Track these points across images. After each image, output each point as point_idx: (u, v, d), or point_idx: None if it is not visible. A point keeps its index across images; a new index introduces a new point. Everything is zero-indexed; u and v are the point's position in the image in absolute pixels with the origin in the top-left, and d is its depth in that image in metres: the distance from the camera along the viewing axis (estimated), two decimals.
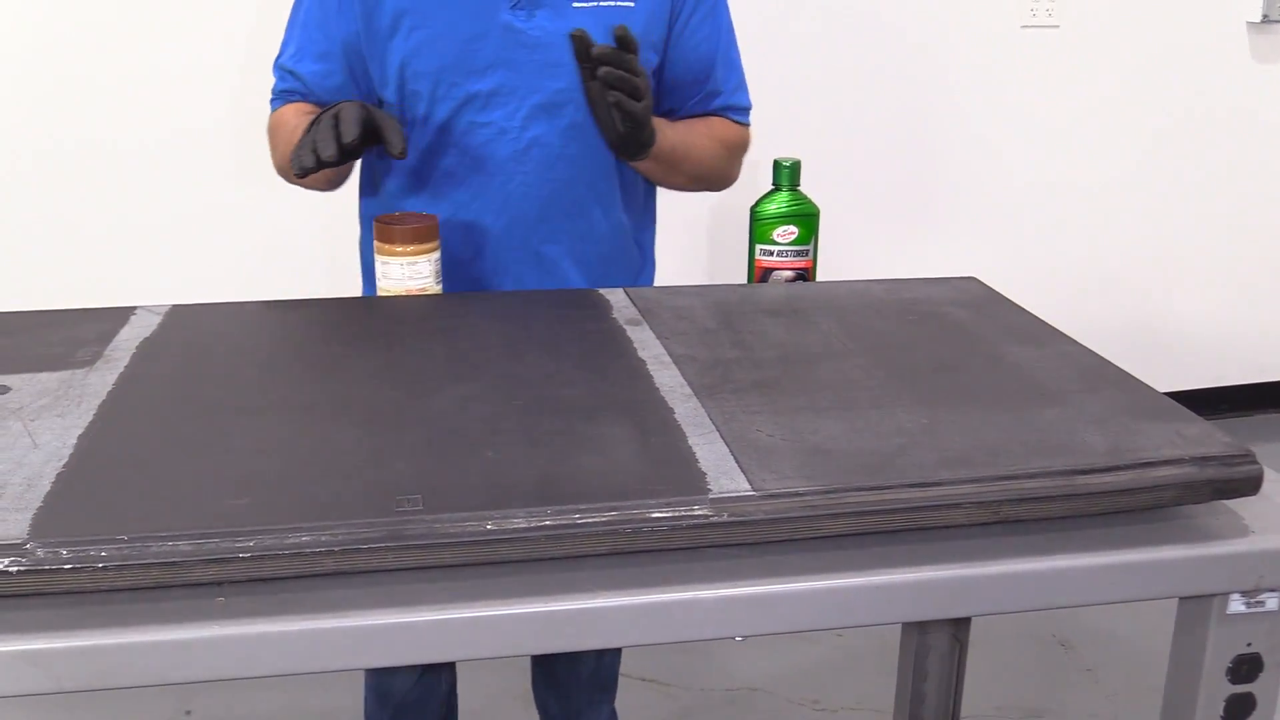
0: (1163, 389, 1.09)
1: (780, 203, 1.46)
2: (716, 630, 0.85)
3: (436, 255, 1.33)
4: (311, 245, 2.50)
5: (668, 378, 1.07)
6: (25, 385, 1.04)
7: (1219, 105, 3.16)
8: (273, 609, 0.78)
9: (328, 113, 1.31)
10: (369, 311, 1.27)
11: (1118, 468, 0.90)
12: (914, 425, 0.97)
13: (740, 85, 1.58)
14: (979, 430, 0.96)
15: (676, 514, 0.84)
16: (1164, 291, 3.31)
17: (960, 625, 1.53)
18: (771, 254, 1.46)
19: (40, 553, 0.77)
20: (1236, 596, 0.93)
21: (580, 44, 1.30)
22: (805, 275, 1.47)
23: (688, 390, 1.04)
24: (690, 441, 0.94)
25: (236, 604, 0.79)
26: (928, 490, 0.87)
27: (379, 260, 1.32)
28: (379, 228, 1.32)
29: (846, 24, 2.87)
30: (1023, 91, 3.03)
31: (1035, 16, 2.96)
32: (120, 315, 1.22)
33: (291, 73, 1.50)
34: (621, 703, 1.85)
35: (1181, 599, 0.97)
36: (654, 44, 1.48)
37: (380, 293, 1.33)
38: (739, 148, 1.59)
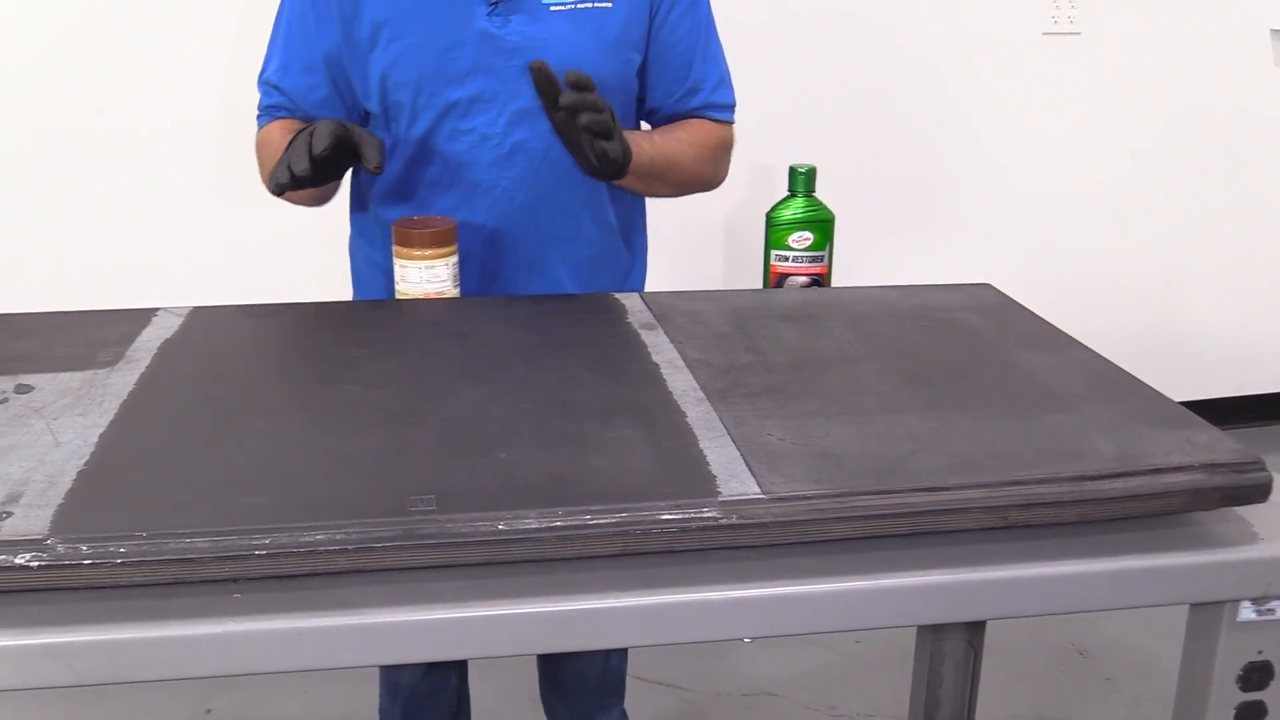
0: (1183, 397, 1.09)
1: (796, 209, 1.47)
2: (725, 631, 0.86)
3: (454, 259, 1.35)
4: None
5: (681, 382, 1.08)
6: (48, 384, 1.06)
7: (1240, 112, 3.15)
8: (287, 606, 0.80)
9: (304, 130, 1.32)
10: (387, 314, 1.28)
11: (1126, 474, 0.91)
12: (924, 430, 0.98)
13: (722, 82, 1.57)
14: (989, 435, 0.97)
15: (686, 516, 0.85)
16: (1183, 299, 3.30)
17: (975, 631, 1.53)
18: (787, 259, 1.47)
19: (61, 548, 0.79)
20: (1247, 604, 0.93)
21: (540, 76, 1.29)
22: (820, 281, 1.48)
23: (700, 394, 1.05)
24: (701, 445, 0.95)
25: (252, 601, 0.80)
26: (936, 495, 0.88)
27: (397, 263, 1.33)
28: (398, 231, 1.33)
29: (866, 31, 2.87)
30: (1043, 98, 3.02)
31: (1056, 24, 2.96)
32: (142, 317, 1.24)
33: (276, 87, 1.51)
34: (636, 706, 1.86)
35: (1192, 606, 0.97)
36: (634, 43, 1.47)
37: (398, 295, 1.35)
38: (723, 148, 1.58)
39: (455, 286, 1.35)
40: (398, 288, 1.35)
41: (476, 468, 0.90)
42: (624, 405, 1.03)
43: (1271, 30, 3.10)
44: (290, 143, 1.31)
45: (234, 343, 1.19)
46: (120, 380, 1.07)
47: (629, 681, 1.86)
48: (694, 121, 1.55)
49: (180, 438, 0.96)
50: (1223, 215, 3.24)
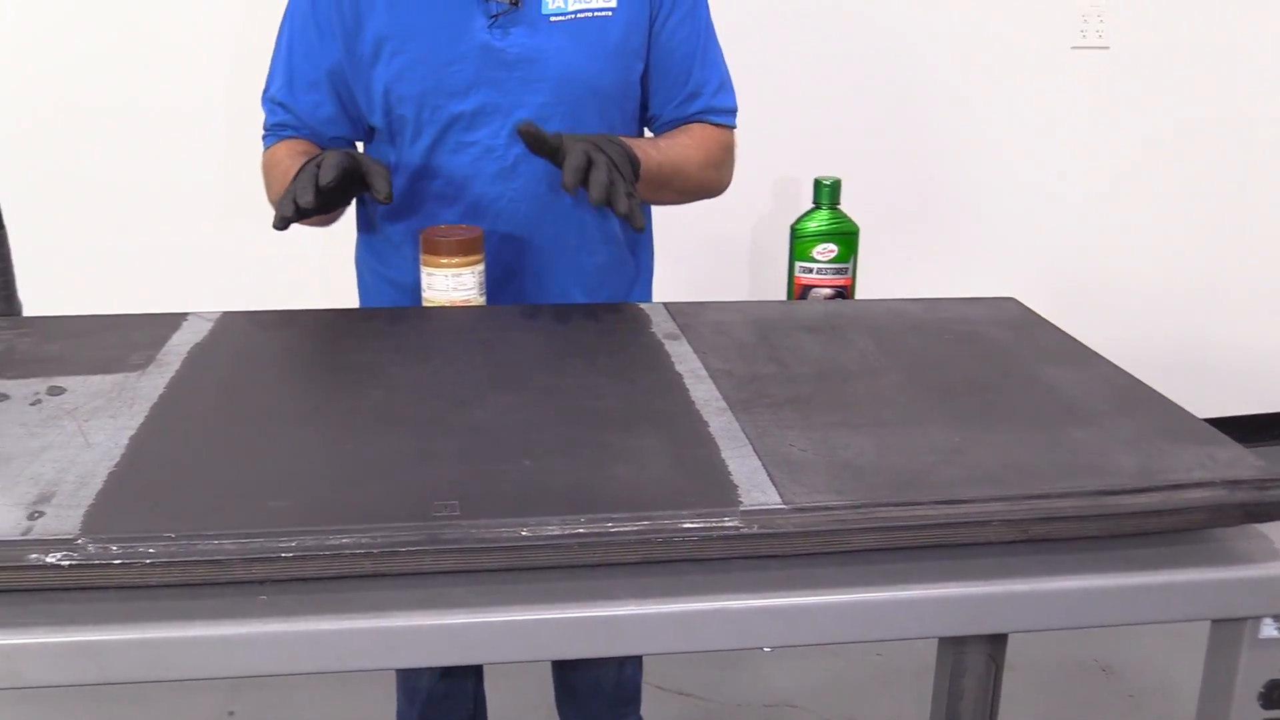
0: (1206, 414, 1.08)
1: (820, 221, 1.47)
2: (745, 640, 0.86)
3: (481, 267, 1.36)
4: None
5: (703, 391, 1.09)
6: (80, 387, 1.07)
7: (1272, 126, 3.13)
8: (313, 608, 0.80)
9: (310, 162, 1.31)
10: (413, 321, 1.30)
11: (1147, 489, 0.91)
12: (946, 443, 0.98)
13: (722, 86, 1.56)
14: (1010, 449, 0.97)
15: (708, 525, 0.85)
16: (1208, 315, 3.28)
17: (997, 645, 1.53)
18: (811, 271, 1.48)
19: (91, 548, 0.80)
20: (1269, 621, 0.93)
21: (530, 139, 1.29)
22: (844, 293, 1.48)
23: (723, 404, 1.06)
24: (723, 454, 0.95)
25: (278, 602, 0.81)
26: (956, 507, 0.88)
27: (424, 271, 1.35)
28: (425, 240, 1.34)
29: (893, 45, 2.87)
30: (1071, 112, 3.02)
31: (1085, 38, 2.96)
32: (172, 321, 1.26)
33: (281, 105, 1.51)
34: (656, 715, 1.87)
35: (1213, 622, 0.97)
36: (635, 50, 1.48)
37: (425, 303, 1.36)
38: (726, 152, 1.58)
39: (481, 295, 1.37)
40: (424, 295, 1.36)
41: (500, 474, 0.91)
42: (647, 414, 1.03)
43: None
44: (296, 175, 1.30)
45: (262, 347, 1.20)
46: (150, 383, 1.08)
47: (648, 690, 1.87)
48: (696, 126, 1.55)
49: (209, 441, 0.97)
50: (1250, 230, 3.22)
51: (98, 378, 1.10)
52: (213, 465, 0.93)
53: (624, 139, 1.38)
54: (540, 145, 1.30)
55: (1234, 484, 0.92)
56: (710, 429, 1.00)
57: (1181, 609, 0.92)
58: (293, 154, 1.48)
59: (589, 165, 1.27)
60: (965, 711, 1.56)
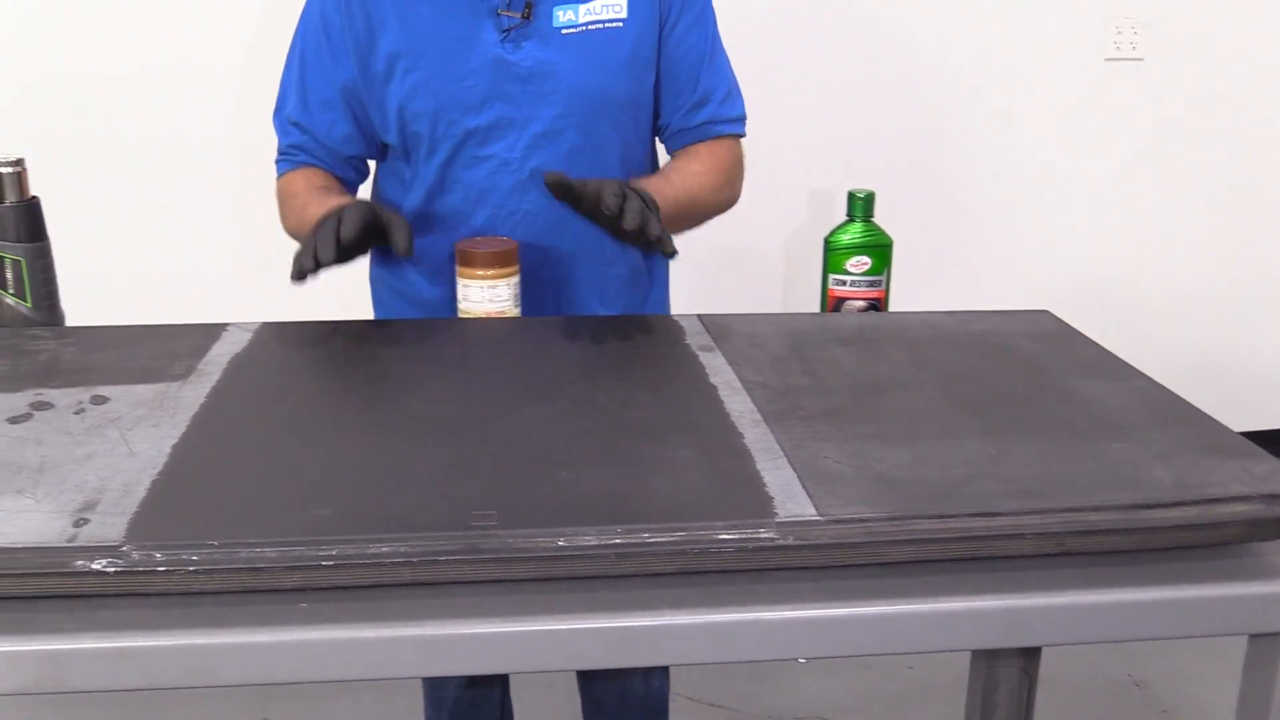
0: (1243, 428, 1.08)
1: (854, 233, 1.48)
2: (781, 652, 0.86)
3: (516, 279, 1.37)
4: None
5: (738, 403, 1.09)
6: (123, 396, 1.09)
7: None
8: (352, 616, 0.81)
9: (332, 214, 1.30)
10: (449, 332, 1.31)
11: (1184, 503, 0.91)
12: (981, 455, 0.98)
13: (730, 94, 1.56)
14: (1046, 462, 0.97)
15: (743, 536, 0.86)
16: (1245, 328, 3.26)
17: (1030, 659, 1.52)
18: (844, 284, 1.48)
19: (135, 555, 0.81)
20: None
21: (558, 190, 1.30)
22: (877, 305, 1.49)
23: (757, 416, 1.06)
24: (758, 466, 0.96)
25: (318, 610, 0.82)
26: (991, 520, 0.88)
27: (460, 283, 1.36)
28: (461, 252, 1.36)
29: (926, 58, 2.87)
30: (1105, 124, 3.01)
31: (1119, 49, 2.95)
32: (212, 331, 1.27)
33: (297, 125, 1.51)
34: None
35: (1251, 637, 0.96)
36: (647, 60, 1.48)
37: (460, 314, 1.37)
38: (736, 165, 1.57)
39: (516, 306, 1.38)
40: (460, 306, 1.37)
41: (536, 484, 0.92)
42: (681, 425, 1.04)
43: None
44: (317, 228, 1.29)
45: (300, 358, 1.22)
46: (192, 393, 1.10)
47: (679, 702, 1.87)
48: (704, 147, 1.55)
49: (250, 449, 0.99)
50: None
51: (140, 387, 1.11)
52: (253, 474, 0.94)
53: (639, 182, 1.39)
54: (567, 192, 1.31)
55: (1271, 498, 0.91)
56: (745, 440, 1.01)
57: (1218, 623, 0.92)
58: (310, 187, 1.48)
59: (624, 196, 1.28)
60: None
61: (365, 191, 1.62)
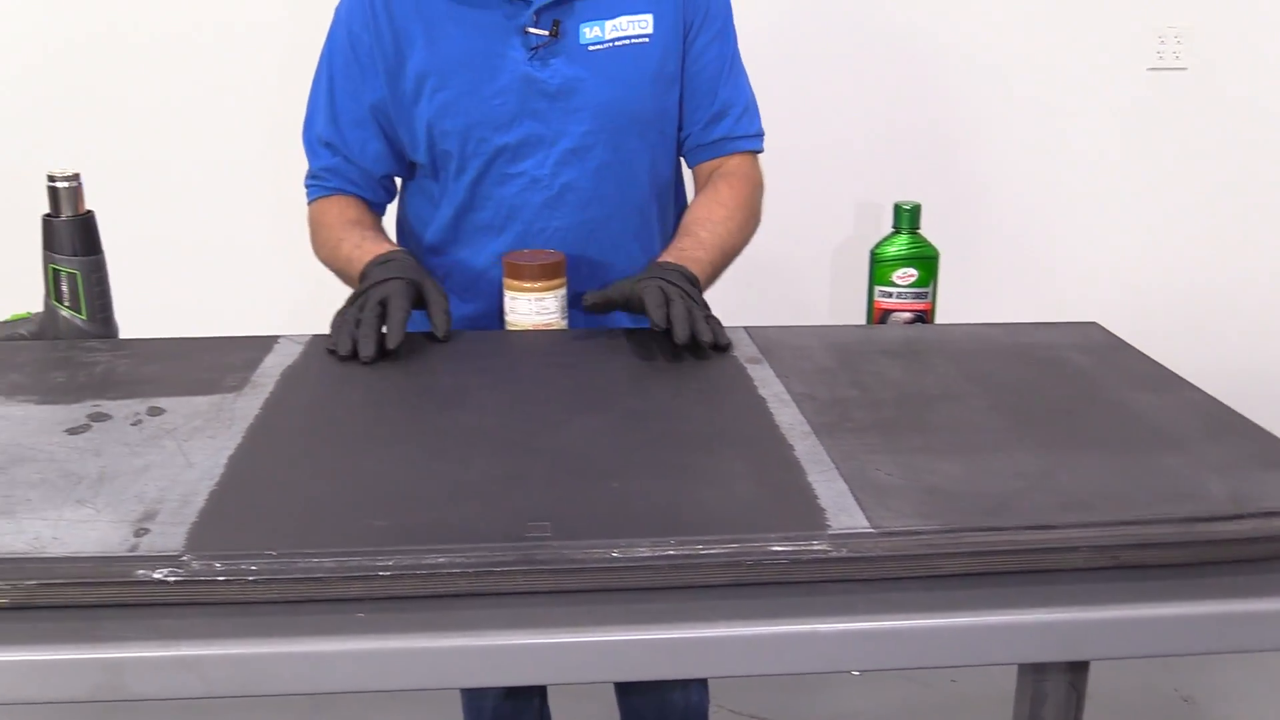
0: None
1: (900, 245, 1.48)
2: (833, 664, 0.86)
3: (563, 291, 1.38)
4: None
5: (787, 415, 1.09)
6: (179, 408, 1.11)
7: None
8: (409, 626, 0.82)
9: (375, 294, 1.28)
10: (499, 345, 1.32)
11: (1240, 516, 0.90)
12: (1032, 468, 0.98)
13: (748, 110, 1.56)
14: (1098, 475, 0.97)
15: (796, 548, 0.86)
16: None
17: (1078, 673, 1.51)
18: (890, 295, 1.48)
19: (196, 565, 0.82)
20: None
21: (599, 307, 1.35)
22: (924, 317, 1.48)
23: (807, 428, 1.06)
24: (810, 478, 0.96)
25: (375, 620, 0.82)
26: (1046, 533, 0.88)
27: (508, 295, 1.37)
28: (508, 264, 1.37)
29: (971, 69, 2.86)
30: (1148, 134, 2.99)
31: (1162, 59, 2.93)
32: (264, 344, 1.29)
33: (329, 145, 1.51)
34: None
35: None
36: (672, 75, 1.49)
37: (508, 326, 1.38)
38: (755, 195, 1.56)
39: (564, 318, 1.38)
40: (508, 319, 1.38)
41: (590, 496, 0.92)
42: (732, 437, 1.04)
43: None
44: (361, 313, 1.27)
45: (352, 370, 1.23)
46: (246, 404, 1.11)
47: (721, 714, 1.87)
48: (722, 184, 1.54)
49: (305, 460, 1.00)
50: None
51: (195, 398, 1.13)
52: (308, 485, 0.95)
53: (674, 261, 1.39)
54: (610, 305, 1.34)
55: None
56: (796, 452, 1.01)
57: (1271, 639, 0.90)
58: (344, 221, 1.48)
59: (667, 301, 1.28)
60: None
61: (392, 210, 1.62)
